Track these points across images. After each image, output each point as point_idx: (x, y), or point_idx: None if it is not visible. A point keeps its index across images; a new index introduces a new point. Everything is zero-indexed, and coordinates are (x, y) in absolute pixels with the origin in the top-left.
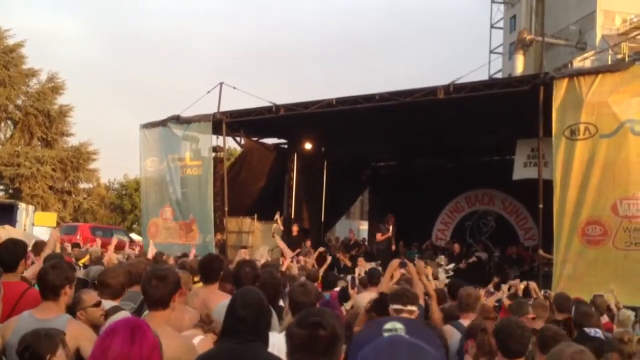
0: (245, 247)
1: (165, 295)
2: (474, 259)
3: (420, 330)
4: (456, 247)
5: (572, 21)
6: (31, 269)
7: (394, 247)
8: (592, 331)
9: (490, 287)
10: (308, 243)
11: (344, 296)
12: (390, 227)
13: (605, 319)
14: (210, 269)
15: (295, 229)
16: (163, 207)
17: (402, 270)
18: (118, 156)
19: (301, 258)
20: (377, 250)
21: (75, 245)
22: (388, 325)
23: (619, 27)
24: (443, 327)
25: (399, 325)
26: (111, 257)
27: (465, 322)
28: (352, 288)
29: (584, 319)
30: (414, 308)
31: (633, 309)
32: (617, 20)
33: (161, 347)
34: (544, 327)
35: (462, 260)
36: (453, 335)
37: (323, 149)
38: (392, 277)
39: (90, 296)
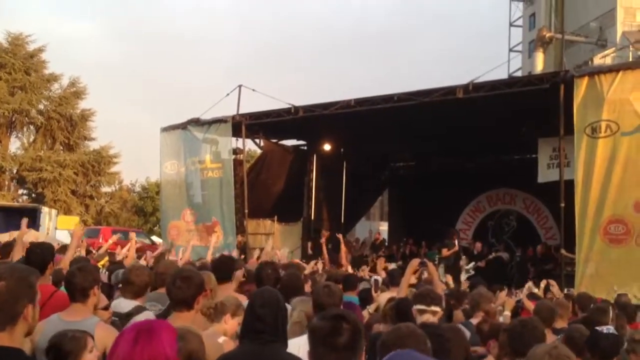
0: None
1: (189, 296)
2: (493, 254)
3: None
4: (478, 245)
5: (592, 18)
6: None
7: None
8: (605, 329)
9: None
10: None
11: (365, 297)
12: (456, 242)
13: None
14: (223, 268)
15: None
16: (184, 210)
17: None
18: (140, 158)
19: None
20: (446, 266)
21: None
22: None
23: None
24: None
25: None
26: (131, 256)
27: (475, 321)
28: (376, 291)
29: (597, 315)
30: (437, 309)
31: None
32: (638, 16)
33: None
34: (572, 327)
35: (483, 259)
36: None
37: (342, 149)
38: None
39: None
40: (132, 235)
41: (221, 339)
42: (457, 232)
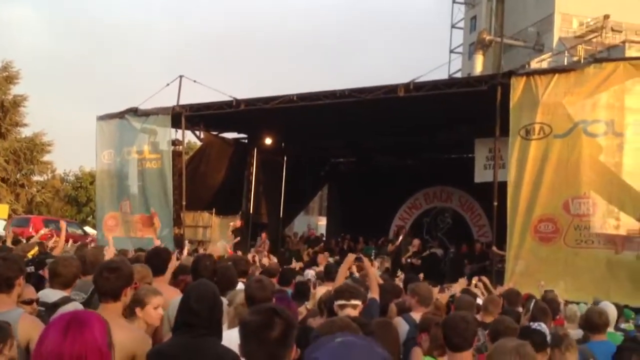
0: (201, 242)
1: (116, 287)
2: (428, 251)
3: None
4: (416, 242)
5: (530, 23)
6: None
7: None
8: (535, 324)
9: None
10: (264, 235)
11: (300, 290)
12: (400, 238)
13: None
14: (158, 261)
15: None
16: (122, 201)
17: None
18: (74, 147)
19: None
20: (392, 261)
21: (28, 239)
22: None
23: (575, 30)
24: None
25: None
26: (61, 245)
27: (416, 315)
28: (314, 288)
29: (540, 315)
30: (357, 302)
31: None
32: (574, 23)
33: (108, 346)
34: (497, 319)
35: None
36: (400, 326)
37: (283, 144)
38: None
39: (26, 291)
40: (63, 224)
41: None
42: (407, 229)
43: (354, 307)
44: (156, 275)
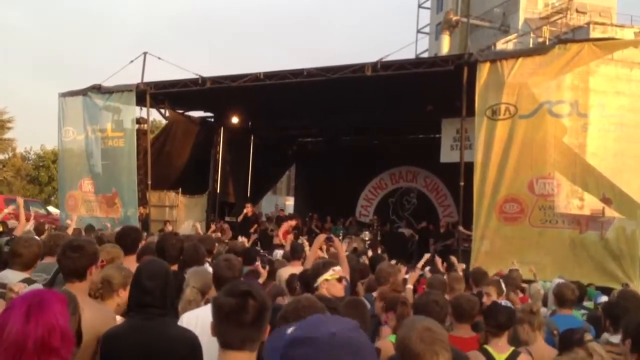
0: (168, 221)
1: (80, 266)
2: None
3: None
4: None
5: (496, 4)
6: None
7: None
8: (502, 302)
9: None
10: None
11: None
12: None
13: (519, 293)
14: (127, 240)
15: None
16: (82, 180)
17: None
18: (35, 124)
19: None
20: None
21: None
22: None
23: (541, 11)
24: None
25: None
26: (22, 222)
27: (377, 294)
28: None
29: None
30: (338, 267)
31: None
32: (540, 4)
33: (74, 325)
34: (458, 296)
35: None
36: None
37: (250, 123)
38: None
39: None
40: (19, 200)
41: (119, 319)
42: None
43: (340, 280)
44: (126, 254)
